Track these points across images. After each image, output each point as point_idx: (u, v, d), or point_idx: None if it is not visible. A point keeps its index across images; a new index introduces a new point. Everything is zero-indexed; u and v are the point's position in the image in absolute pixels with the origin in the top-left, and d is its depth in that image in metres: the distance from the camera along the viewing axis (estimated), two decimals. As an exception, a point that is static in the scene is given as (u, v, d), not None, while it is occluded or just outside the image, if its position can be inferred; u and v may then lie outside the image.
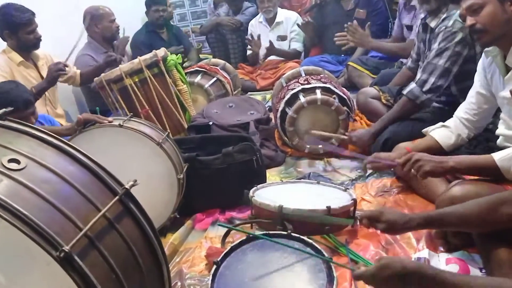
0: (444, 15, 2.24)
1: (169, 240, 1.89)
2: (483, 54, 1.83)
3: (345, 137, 2.50)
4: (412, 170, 1.67)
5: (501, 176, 1.52)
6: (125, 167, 1.85)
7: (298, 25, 4.24)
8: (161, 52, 2.81)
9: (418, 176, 1.66)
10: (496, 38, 1.63)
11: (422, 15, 2.46)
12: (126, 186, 1.10)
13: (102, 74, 2.68)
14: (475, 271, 1.49)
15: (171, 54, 2.97)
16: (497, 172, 1.52)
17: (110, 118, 1.95)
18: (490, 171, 1.54)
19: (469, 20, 1.65)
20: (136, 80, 2.71)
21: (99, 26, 3.52)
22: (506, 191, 1.33)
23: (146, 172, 1.89)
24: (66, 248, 0.86)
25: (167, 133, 2.03)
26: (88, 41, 3.57)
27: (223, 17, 4.84)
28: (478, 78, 1.86)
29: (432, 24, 2.30)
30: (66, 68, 2.87)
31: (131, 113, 2.12)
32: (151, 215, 1.89)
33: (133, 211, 1.10)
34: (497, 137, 1.78)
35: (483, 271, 1.47)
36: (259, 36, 4.29)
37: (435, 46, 2.23)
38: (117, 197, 1.06)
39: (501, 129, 1.75)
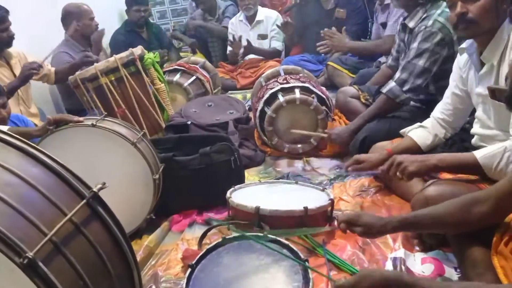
0: (424, 15, 2.25)
1: (145, 243, 1.85)
2: (458, 54, 1.84)
3: (325, 135, 2.50)
4: (397, 173, 1.67)
5: (483, 173, 1.53)
6: (99, 168, 1.83)
7: (277, 25, 4.23)
8: (137, 50, 2.77)
9: (404, 178, 1.66)
10: (481, 32, 1.59)
11: (399, 13, 2.47)
12: (94, 189, 1.07)
13: (77, 73, 2.63)
14: (450, 270, 1.50)
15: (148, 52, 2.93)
16: (479, 170, 1.53)
17: (81, 118, 1.90)
18: (472, 169, 1.55)
19: (460, 7, 1.57)
20: (112, 78, 2.67)
21: (79, 24, 3.46)
22: (478, 191, 1.34)
23: (121, 172, 1.86)
24: (30, 254, 0.83)
25: (142, 132, 2.00)
26: (65, 39, 3.50)
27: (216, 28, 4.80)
28: (453, 78, 1.88)
29: (411, 24, 2.31)
30: (41, 68, 2.80)
31: (106, 113, 2.07)
32: (126, 216, 1.88)
33: (102, 215, 1.06)
34: (472, 136, 1.80)
35: (458, 270, 1.48)
36: (240, 37, 4.26)
37: (414, 45, 2.23)
38: (84, 201, 1.03)
39: (476, 128, 1.76)
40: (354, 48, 3.41)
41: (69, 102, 3.40)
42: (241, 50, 4.30)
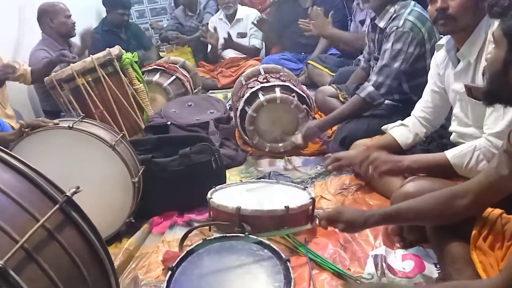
0: (394, 15, 2.26)
1: (124, 246, 1.82)
2: (435, 51, 1.85)
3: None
4: (370, 169, 1.69)
5: (455, 173, 1.55)
6: (76, 172, 1.80)
7: (253, 23, 4.21)
8: (115, 50, 2.72)
9: (375, 175, 1.68)
10: (460, 28, 1.59)
11: (372, 14, 2.48)
12: (68, 193, 1.04)
13: (53, 74, 2.57)
14: (430, 267, 1.51)
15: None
16: (450, 170, 1.56)
17: (56, 121, 1.85)
18: (444, 168, 1.58)
19: (441, 2, 1.58)
20: (89, 79, 2.62)
21: (54, 21, 3.38)
22: (458, 184, 1.35)
23: (99, 176, 1.83)
24: (0, 262, 0.80)
25: (121, 134, 1.97)
26: (42, 38, 3.43)
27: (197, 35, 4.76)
28: (431, 75, 1.89)
29: (381, 24, 2.32)
30: (16, 66, 2.74)
31: (83, 114, 2.03)
32: (105, 220, 1.86)
33: (76, 220, 1.04)
34: (451, 133, 1.81)
35: (438, 266, 1.49)
36: (215, 28, 4.25)
37: (388, 46, 2.23)
38: (57, 206, 1.00)
39: (453, 126, 1.78)
40: (335, 35, 3.35)
41: (47, 103, 3.33)
42: (221, 42, 4.28)
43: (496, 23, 1.50)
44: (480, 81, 1.56)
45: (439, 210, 1.30)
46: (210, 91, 4.16)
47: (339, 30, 3.38)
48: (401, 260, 1.56)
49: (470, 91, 1.40)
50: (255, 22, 4.16)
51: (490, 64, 1.04)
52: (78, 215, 1.05)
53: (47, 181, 1.04)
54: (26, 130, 1.81)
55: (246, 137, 2.67)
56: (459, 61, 1.66)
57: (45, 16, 3.34)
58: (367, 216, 1.37)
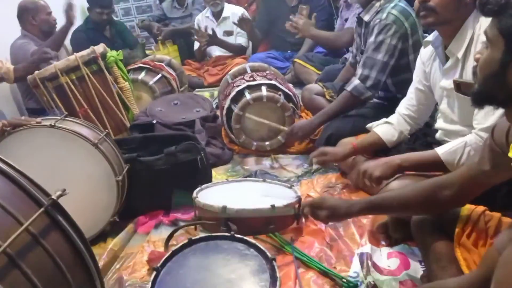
0: (378, 9, 2.27)
1: (109, 246, 1.80)
2: (422, 47, 1.86)
3: (285, 128, 2.51)
4: (366, 181, 1.69)
5: (446, 169, 1.56)
6: (59, 171, 1.78)
7: (234, 23, 4.19)
8: (99, 48, 2.69)
9: (373, 184, 1.68)
10: (441, 22, 1.61)
11: (359, 10, 2.49)
12: (53, 197, 1.01)
13: (36, 72, 2.52)
14: (415, 264, 1.52)
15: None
16: (442, 166, 1.57)
17: (39, 119, 1.82)
18: (435, 165, 1.59)
19: None
20: (73, 77, 2.58)
21: (36, 19, 3.33)
22: (441, 176, 1.36)
23: (82, 175, 1.81)
24: (-19, 268, 0.78)
25: (105, 133, 1.94)
26: (22, 35, 3.37)
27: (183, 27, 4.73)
28: (416, 73, 1.90)
29: (366, 18, 2.33)
30: None
31: (66, 113, 2.00)
32: (89, 219, 1.84)
33: (61, 224, 1.01)
34: (436, 131, 1.83)
35: (423, 264, 1.50)
36: (206, 28, 4.22)
37: (371, 39, 2.24)
38: (42, 209, 0.98)
39: (439, 123, 1.78)
40: (316, 36, 3.40)
41: (31, 101, 3.28)
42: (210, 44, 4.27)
43: (483, 19, 1.53)
44: (468, 77, 1.57)
45: (423, 200, 1.32)
46: (197, 89, 4.15)
47: (321, 30, 3.42)
48: (386, 258, 1.57)
49: (459, 86, 1.40)
50: (236, 22, 4.13)
51: (485, 64, 1.00)
52: (64, 219, 1.03)
53: (32, 183, 1.02)
54: (8, 129, 1.78)
55: (232, 135, 2.66)
56: (447, 58, 1.67)
57: (26, 13, 3.28)
58: (351, 204, 1.37)
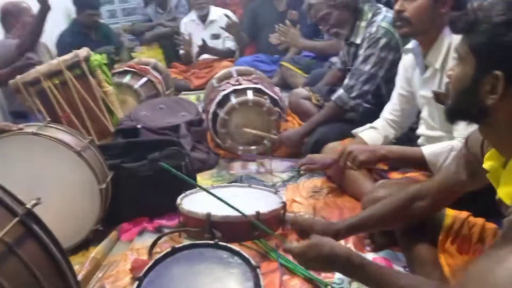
0: (365, 23, 2.29)
1: (91, 254, 1.77)
2: (403, 54, 1.88)
3: (275, 137, 2.51)
4: (348, 162, 1.69)
5: (428, 169, 1.58)
6: (41, 179, 1.75)
7: (221, 27, 4.17)
8: (83, 52, 2.65)
9: (355, 166, 1.69)
10: (416, 32, 1.65)
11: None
12: (28, 206, 0.99)
13: (18, 76, 2.48)
14: (399, 270, 1.51)
15: (99, 54, 2.81)
16: (424, 165, 1.59)
17: (21, 126, 1.79)
18: (418, 163, 1.61)
19: (398, 5, 1.64)
20: (56, 82, 2.53)
21: (19, 21, 3.28)
22: (414, 186, 1.38)
23: (65, 182, 1.78)
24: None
25: (89, 139, 1.91)
26: (5, 37, 3.32)
27: (165, 23, 4.69)
28: (399, 79, 1.92)
29: (358, 40, 2.37)
30: None
31: (49, 119, 1.97)
32: (71, 228, 1.81)
33: (37, 233, 1.00)
34: (419, 136, 1.84)
35: (407, 269, 1.50)
36: (190, 35, 4.19)
37: (361, 52, 2.28)
38: (16, 219, 0.96)
39: (421, 129, 1.80)
40: (308, 47, 3.48)
41: (13, 105, 3.23)
42: (196, 50, 4.24)
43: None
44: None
45: (398, 214, 1.35)
46: (183, 92, 4.12)
47: (311, 41, 3.49)
48: (371, 264, 1.56)
49: (438, 97, 1.42)
50: (223, 26, 4.11)
51: (457, 81, 1.00)
52: (39, 228, 1.01)
53: (6, 192, 1.00)
54: None
55: (218, 140, 2.64)
56: (426, 67, 1.68)
57: (9, 16, 3.23)
58: (334, 231, 1.38)
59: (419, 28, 1.62)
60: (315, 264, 1.21)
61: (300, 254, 1.21)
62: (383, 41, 2.20)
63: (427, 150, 1.60)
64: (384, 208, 1.36)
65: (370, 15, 2.29)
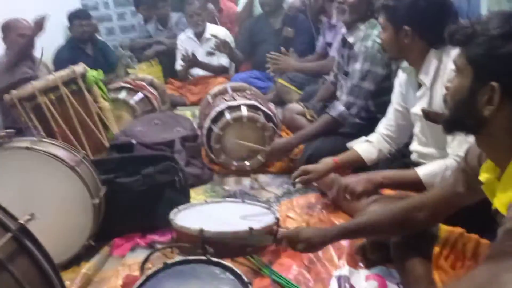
0: (363, 33, 2.31)
1: (82, 270, 1.76)
2: (399, 71, 1.90)
3: (264, 148, 2.52)
4: (347, 196, 1.70)
5: (425, 190, 1.57)
6: (34, 193, 1.75)
7: (212, 48, 4.19)
8: (79, 68, 2.67)
9: (354, 200, 1.69)
10: (393, 57, 1.86)
11: (343, 31, 2.53)
12: (21, 221, 0.99)
13: (13, 92, 2.49)
14: (392, 286, 1.51)
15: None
16: (421, 187, 1.59)
17: (6, 132, 1.79)
18: (415, 185, 1.61)
19: (380, 34, 1.81)
20: (52, 97, 2.55)
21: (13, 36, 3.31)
22: (413, 197, 1.39)
23: (58, 197, 1.78)
24: None
25: (82, 155, 1.92)
26: (6, 53, 3.36)
27: (164, 40, 4.73)
28: (395, 95, 1.93)
29: (351, 39, 2.37)
30: None
31: (42, 134, 1.98)
32: (63, 242, 1.80)
33: (29, 249, 1.00)
34: (412, 152, 1.85)
35: (400, 286, 1.49)
36: (193, 54, 4.22)
37: (357, 67, 2.29)
38: (9, 234, 0.96)
39: (414, 145, 1.81)
40: (300, 70, 3.52)
41: (8, 119, 3.23)
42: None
43: (449, 50, 1.59)
44: (436, 106, 1.62)
45: (395, 224, 1.35)
46: (178, 107, 4.13)
47: (302, 63, 3.56)
48: (364, 280, 1.55)
49: (428, 115, 1.45)
50: (214, 47, 4.11)
51: (454, 92, 1.04)
52: (32, 244, 1.01)
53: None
54: None
55: (212, 155, 2.65)
56: (419, 85, 1.71)
57: (7, 30, 3.27)
58: (326, 232, 1.41)
59: (392, 54, 1.80)
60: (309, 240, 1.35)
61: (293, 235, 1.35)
62: (378, 57, 2.23)
63: (422, 171, 1.61)
64: (382, 216, 1.37)
65: (367, 25, 2.32)
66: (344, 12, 2.44)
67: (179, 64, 4.41)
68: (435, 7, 1.62)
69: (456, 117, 1.05)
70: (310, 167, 2.03)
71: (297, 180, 2.03)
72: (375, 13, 2.25)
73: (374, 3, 2.30)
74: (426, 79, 1.66)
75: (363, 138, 2.04)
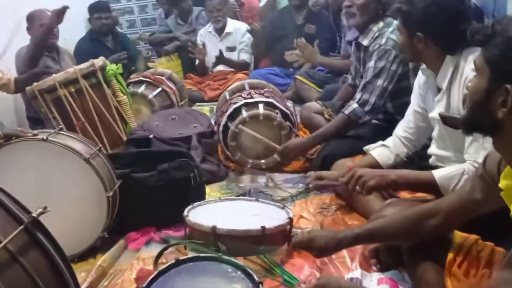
0: (377, 34, 2.27)
1: (97, 262, 1.78)
2: (419, 72, 1.87)
3: (279, 147, 2.50)
4: (357, 187, 1.68)
5: (439, 193, 1.55)
6: (49, 185, 1.78)
7: (248, 30, 4.20)
8: (99, 61, 2.69)
9: (364, 192, 1.67)
10: (412, 61, 1.96)
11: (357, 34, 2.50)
12: (34, 214, 1.00)
13: (34, 84, 2.53)
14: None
15: (110, 63, 2.86)
16: (436, 190, 1.56)
17: (36, 131, 1.83)
18: (430, 188, 1.59)
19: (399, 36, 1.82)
20: (72, 90, 2.59)
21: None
22: (428, 203, 1.37)
23: (72, 189, 1.81)
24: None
25: (98, 147, 1.94)
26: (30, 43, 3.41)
27: (180, 36, 4.75)
28: (414, 96, 1.90)
29: (365, 42, 2.34)
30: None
31: (60, 126, 2.01)
32: (78, 234, 1.83)
33: (41, 242, 1.00)
34: (430, 156, 1.81)
35: (413, 291, 1.47)
36: (204, 44, 4.24)
37: (371, 64, 2.25)
38: (21, 227, 0.97)
39: (432, 148, 1.78)
40: (325, 64, 3.49)
41: (33, 110, 3.29)
42: (212, 59, 4.28)
43: (466, 55, 1.57)
44: (453, 110, 1.59)
45: (409, 230, 1.33)
46: (197, 103, 4.15)
47: (328, 58, 3.51)
48: (376, 284, 1.54)
49: (445, 120, 1.42)
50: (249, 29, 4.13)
51: (472, 92, 1.03)
52: (44, 237, 1.02)
53: (12, 200, 1.01)
54: (1, 141, 1.78)
55: (228, 152, 2.65)
56: (439, 90, 1.68)
57: (31, 21, 3.31)
58: (339, 239, 1.38)
59: (409, 58, 1.85)
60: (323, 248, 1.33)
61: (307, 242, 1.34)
62: (393, 54, 2.19)
63: (439, 174, 1.57)
64: (396, 222, 1.34)
65: (382, 25, 2.28)
66: (353, 16, 2.42)
67: (195, 58, 4.43)
68: (447, 14, 1.59)
69: (473, 118, 1.04)
70: (324, 173, 2.02)
71: (311, 185, 2.03)
72: (387, 12, 2.24)
73: (383, 1, 2.27)
74: (443, 84, 1.63)
75: (380, 142, 2.01)
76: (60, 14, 2.93)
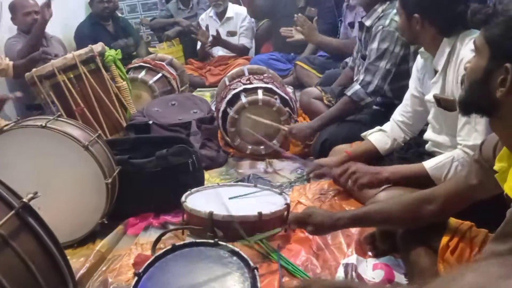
0: (381, 14, 2.25)
1: (96, 248, 1.80)
2: (418, 56, 1.86)
3: (285, 128, 2.50)
4: (349, 181, 1.69)
5: (433, 183, 1.56)
6: (48, 172, 1.79)
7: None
8: (98, 47, 2.69)
9: (355, 188, 1.69)
10: (410, 43, 1.97)
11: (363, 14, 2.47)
12: (24, 199, 1.01)
13: (33, 69, 2.53)
14: (399, 277, 1.51)
15: (116, 49, 2.85)
16: (429, 180, 1.58)
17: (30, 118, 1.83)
18: (422, 179, 1.60)
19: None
20: (71, 76, 2.58)
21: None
22: (427, 189, 1.37)
23: (71, 176, 1.81)
24: None
25: (97, 134, 1.94)
26: (17, 33, 3.42)
27: (182, 21, 4.71)
28: (412, 80, 1.90)
29: (368, 22, 2.32)
30: None
31: (59, 112, 2.01)
32: (77, 220, 1.84)
33: (33, 226, 1.01)
34: (427, 141, 1.81)
35: (407, 276, 1.49)
36: (207, 27, 4.21)
37: (374, 46, 2.22)
38: (12, 212, 0.98)
39: (428, 133, 1.78)
40: (323, 43, 3.42)
41: (29, 97, 3.29)
42: (209, 39, 4.25)
43: (463, 38, 1.57)
44: (448, 93, 1.58)
45: (406, 214, 1.34)
46: (198, 89, 4.14)
47: (328, 37, 3.42)
48: (371, 270, 1.55)
49: (439, 102, 1.42)
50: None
51: (470, 72, 1.03)
52: (35, 221, 1.03)
53: (3, 185, 1.02)
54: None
55: (227, 138, 2.65)
56: (435, 72, 1.67)
57: (15, 10, 3.34)
58: (336, 219, 1.40)
59: (407, 39, 1.89)
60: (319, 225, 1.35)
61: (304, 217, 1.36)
62: (396, 35, 2.16)
63: (429, 164, 1.60)
64: (393, 206, 1.36)
65: (387, 5, 2.26)
66: None
67: (199, 44, 4.40)
68: None
69: (470, 98, 1.04)
70: (323, 160, 2.04)
71: (311, 175, 2.05)
72: None
73: None
74: (439, 66, 1.62)
75: (378, 127, 2.01)
76: (48, 6, 2.99)
